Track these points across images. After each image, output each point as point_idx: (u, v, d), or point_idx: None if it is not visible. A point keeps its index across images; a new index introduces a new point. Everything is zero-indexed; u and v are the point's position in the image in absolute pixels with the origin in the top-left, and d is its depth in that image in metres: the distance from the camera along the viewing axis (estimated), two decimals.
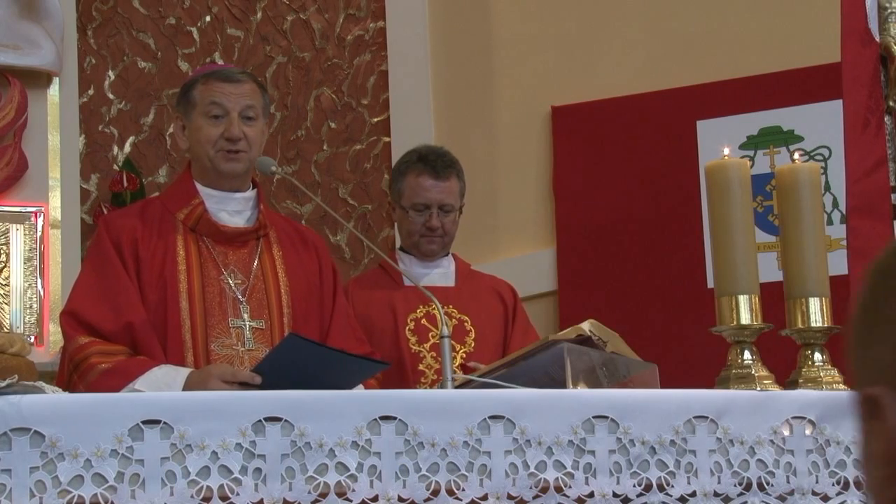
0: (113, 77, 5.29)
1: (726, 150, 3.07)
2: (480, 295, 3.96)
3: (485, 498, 2.39)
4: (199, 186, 3.38)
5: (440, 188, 3.86)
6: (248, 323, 3.29)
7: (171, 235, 3.32)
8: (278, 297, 3.37)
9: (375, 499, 2.32)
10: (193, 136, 3.37)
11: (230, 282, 3.32)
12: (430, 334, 3.83)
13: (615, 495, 2.50)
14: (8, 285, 4.69)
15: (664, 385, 2.97)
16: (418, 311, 3.86)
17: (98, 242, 3.34)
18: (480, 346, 3.84)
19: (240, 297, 3.31)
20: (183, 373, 3.09)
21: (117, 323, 3.16)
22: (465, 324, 3.86)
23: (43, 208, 4.78)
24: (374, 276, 4.01)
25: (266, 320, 3.31)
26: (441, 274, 3.96)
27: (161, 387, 3.02)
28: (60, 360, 3.27)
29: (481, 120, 5.58)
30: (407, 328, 3.83)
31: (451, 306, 3.83)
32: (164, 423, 2.22)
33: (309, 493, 2.28)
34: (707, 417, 2.63)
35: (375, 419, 2.36)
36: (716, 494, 2.60)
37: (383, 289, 3.90)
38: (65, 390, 2.95)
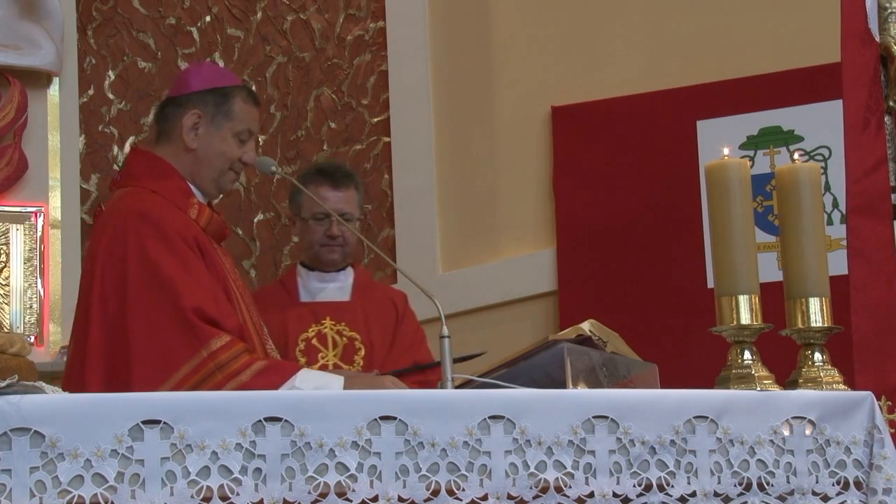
0: (113, 77, 5.29)
1: (726, 150, 3.06)
2: (375, 307, 4.02)
3: (485, 498, 2.39)
4: (191, 186, 3.32)
5: (338, 197, 3.95)
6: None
7: (199, 232, 3.21)
8: None
9: (375, 499, 2.32)
10: (214, 147, 3.29)
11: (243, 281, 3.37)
12: (319, 355, 3.88)
13: (615, 495, 2.50)
14: (8, 285, 4.70)
15: (664, 385, 2.97)
16: (310, 330, 3.91)
17: (164, 235, 3.08)
18: (368, 365, 3.88)
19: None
20: (335, 377, 3.07)
21: (235, 320, 3.06)
22: (355, 342, 3.91)
23: (43, 208, 4.78)
24: (272, 293, 4.04)
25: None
26: (337, 288, 4.02)
27: (320, 385, 2.97)
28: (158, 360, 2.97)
29: (481, 120, 5.58)
30: (297, 349, 3.85)
31: (343, 324, 3.89)
32: (164, 423, 2.22)
33: (309, 493, 2.28)
34: (707, 417, 2.62)
35: (375, 419, 2.35)
36: (716, 494, 2.59)
37: (277, 310, 3.91)
38: (193, 389, 2.85)
